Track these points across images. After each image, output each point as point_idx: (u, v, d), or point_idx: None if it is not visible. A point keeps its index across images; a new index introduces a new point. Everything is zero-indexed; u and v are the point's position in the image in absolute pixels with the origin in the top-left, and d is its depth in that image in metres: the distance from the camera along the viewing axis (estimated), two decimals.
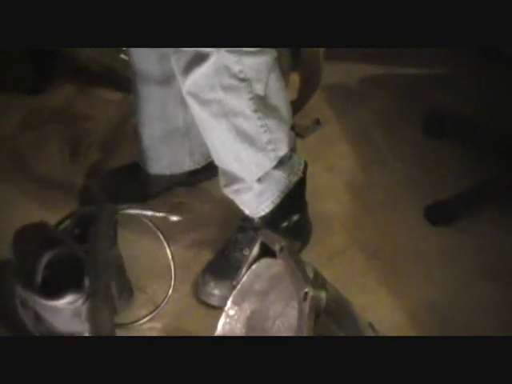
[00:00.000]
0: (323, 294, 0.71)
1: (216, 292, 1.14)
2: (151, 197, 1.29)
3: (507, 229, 1.30)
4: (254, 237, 1.06)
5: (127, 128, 1.43)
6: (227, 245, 1.17)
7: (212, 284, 1.14)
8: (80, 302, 0.99)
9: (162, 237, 1.05)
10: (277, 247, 0.82)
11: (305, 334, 0.70)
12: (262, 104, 1.02)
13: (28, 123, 1.45)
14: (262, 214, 1.13)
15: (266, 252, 0.89)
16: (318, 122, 1.44)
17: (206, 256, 1.21)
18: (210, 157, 1.21)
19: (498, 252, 1.28)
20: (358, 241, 1.29)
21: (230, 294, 0.97)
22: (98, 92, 1.54)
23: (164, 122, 1.21)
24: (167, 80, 1.15)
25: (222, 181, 1.13)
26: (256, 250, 0.90)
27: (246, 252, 1.12)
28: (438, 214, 1.33)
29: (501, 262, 1.26)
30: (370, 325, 0.87)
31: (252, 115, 1.02)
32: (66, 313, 1.01)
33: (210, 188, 1.33)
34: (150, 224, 1.05)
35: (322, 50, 1.35)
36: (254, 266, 0.91)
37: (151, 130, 1.22)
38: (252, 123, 1.03)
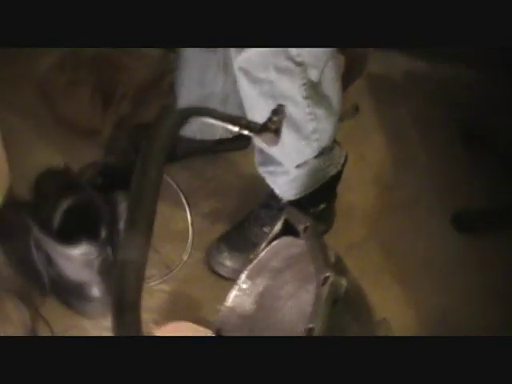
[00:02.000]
0: (343, 282, 0.69)
1: (228, 263, 1.13)
2: (178, 158, 1.27)
3: None
4: (277, 216, 1.05)
5: (162, 85, 1.40)
6: (248, 218, 1.16)
7: (226, 254, 1.13)
8: (94, 254, 0.98)
9: (184, 199, 1.04)
10: (301, 227, 0.80)
11: (319, 320, 0.68)
12: (314, 91, 0.99)
13: (62, 65, 1.43)
14: (293, 198, 1.11)
15: (288, 230, 0.87)
16: (356, 108, 1.40)
17: (223, 226, 1.20)
18: None
19: None
20: (379, 236, 1.27)
21: (243, 267, 0.95)
22: None
23: (203, 86, 1.19)
24: None
25: (257, 158, 1.11)
26: (278, 226, 0.88)
27: (265, 229, 1.11)
28: (465, 222, 1.31)
29: None
30: (385, 321, 0.85)
31: (302, 101, 0.99)
32: (79, 262, 1.00)
33: (236, 159, 1.32)
34: (174, 185, 1.04)
35: None
36: (274, 243, 0.89)
37: (189, 93, 1.20)
38: (301, 109, 1.00)
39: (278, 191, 1.12)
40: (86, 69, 1.37)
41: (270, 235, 0.89)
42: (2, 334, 0.94)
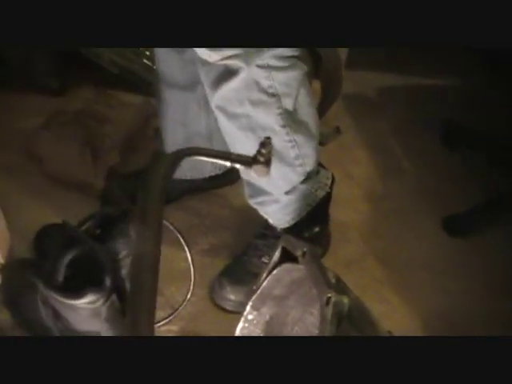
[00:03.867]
0: (346, 300, 0.71)
1: (231, 297, 1.15)
2: (170, 200, 1.29)
3: None
4: (275, 245, 1.07)
5: (147, 131, 1.44)
6: (246, 250, 1.18)
7: (228, 289, 1.15)
8: (100, 302, 1.00)
9: (182, 240, 1.06)
10: (299, 252, 0.82)
11: None
12: (291, 119, 1.02)
13: (49, 125, 1.46)
14: (287, 225, 1.13)
15: (287, 257, 0.90)
16: (338, 130, 1.43)
17: (223, 261, 1.22)
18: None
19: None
20: (375, 250, 1.30)
21: (247, 299, 0.97)
22: (118, 95, 1.55)
23: (186, 126, 1.22)
24: (191, 85, 1.16)
25: (246, 192, 1.13)
26: (277, 255, 0.90)
27: (264, 259, 1.13)
28: (456, 226, 1.34)
29: None
30: (390, 333, 0.87)
31: (280, 130, 1.02)
32: (85, 312, 1.01)
33: (228, 194, 1.34)
34: (171, 226, 1.06)
35: (342, 58, 1.35)
36: (274, 271, 0.91)
37: (174, 135, 1.23)
38: (280, 138, 1.02)
39: (271, 220, 1.14)
40: (71, 126, 1.40)
41: (270, 264, 0.91)
42: None
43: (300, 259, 0.81)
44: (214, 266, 1.21)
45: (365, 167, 1.46)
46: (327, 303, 0.70)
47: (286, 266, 0.89)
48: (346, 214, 1.34)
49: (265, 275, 0.92)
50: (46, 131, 1.42)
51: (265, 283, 0.93)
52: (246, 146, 1.03)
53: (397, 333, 0.94)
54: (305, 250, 0.80)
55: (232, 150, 1.07)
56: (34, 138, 1.42)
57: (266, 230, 1.16)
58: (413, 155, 1.49)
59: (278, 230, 1.15)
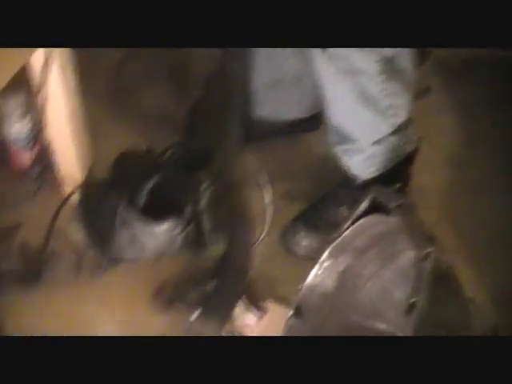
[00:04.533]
0: (445, 258, 0.69)
1: (304, 242, 1.14)
2: (250, 140, 1.28)
3: None
4: (355, 195, 1.05)
5: None
6: (324, 198, 1.16)
7: (302, 234, 1.14)
8: (178, 230, 1.01)
9: (265, 178, 1.05)
10: (393, 204, 0.80)
11: (420, 295, 0.68)
12: (389, 66, 1.00)
13: (135, 53, 1.46)
14: (369, 177, 1.11)
15: (375, 208, 0.87)
16: (428, 89, 1.39)
17: (298, 207, 1.20)
18: (315, 109, 1.20)
19: None
20: (450, 218, 1.26)
21: (324, 246, 0.96)
22: None
23: (275, 69, 1.20)
24: None
25: (331, 138, 1.11)
26: (364, 205, 0.88)
27: (342, 209, 1.11)
28: None
29: None
30: (473, 299, 0.85)
31: (377, 77, 1.00)
32: (162, 239, 1.02)
33: (309, 140, 1.32)
34: (256, 163, 1.05)
35: None
36: (360, 221, 0.89)
37: (261, 76, 1.21)
38: (376, 85, 1.01)
39: (353, 170, 1.12)
40: (158, 55, 1.39)
41: (356, 213, 0.89)
42: None
43: (394, 211, 0.79)
44: (287, 211, 1.20)
45: (450, 132, 1.40)
46: (425, 258, 0.68)
47: (374, 217, 0.87)
48: (425, 177, 1.30)
49: (348, 224, 0.91)
50: (132, 61, 1.42)
51: (347, 232, 0.91)
52: (340, 89, 1.01)
53: None
54: (401, 201, 0.78)
55: (324, 92, 1.05)
56: (120, 66, 1.42)
57: (347, 180, 1.14)
58: (502, 126, 1.42)
59: (359, 181, 1.12)
